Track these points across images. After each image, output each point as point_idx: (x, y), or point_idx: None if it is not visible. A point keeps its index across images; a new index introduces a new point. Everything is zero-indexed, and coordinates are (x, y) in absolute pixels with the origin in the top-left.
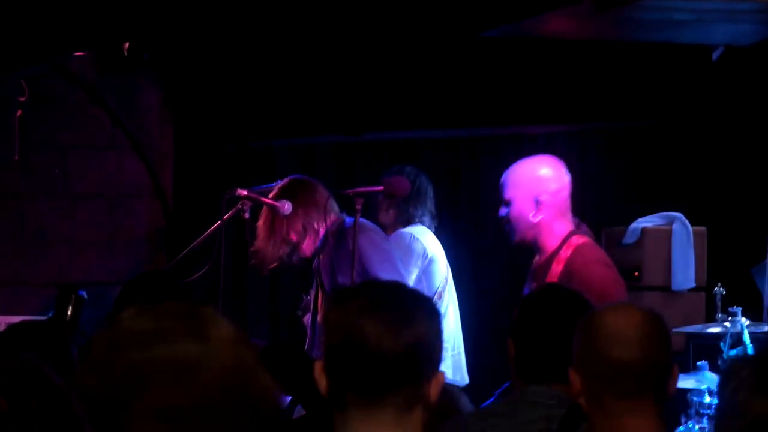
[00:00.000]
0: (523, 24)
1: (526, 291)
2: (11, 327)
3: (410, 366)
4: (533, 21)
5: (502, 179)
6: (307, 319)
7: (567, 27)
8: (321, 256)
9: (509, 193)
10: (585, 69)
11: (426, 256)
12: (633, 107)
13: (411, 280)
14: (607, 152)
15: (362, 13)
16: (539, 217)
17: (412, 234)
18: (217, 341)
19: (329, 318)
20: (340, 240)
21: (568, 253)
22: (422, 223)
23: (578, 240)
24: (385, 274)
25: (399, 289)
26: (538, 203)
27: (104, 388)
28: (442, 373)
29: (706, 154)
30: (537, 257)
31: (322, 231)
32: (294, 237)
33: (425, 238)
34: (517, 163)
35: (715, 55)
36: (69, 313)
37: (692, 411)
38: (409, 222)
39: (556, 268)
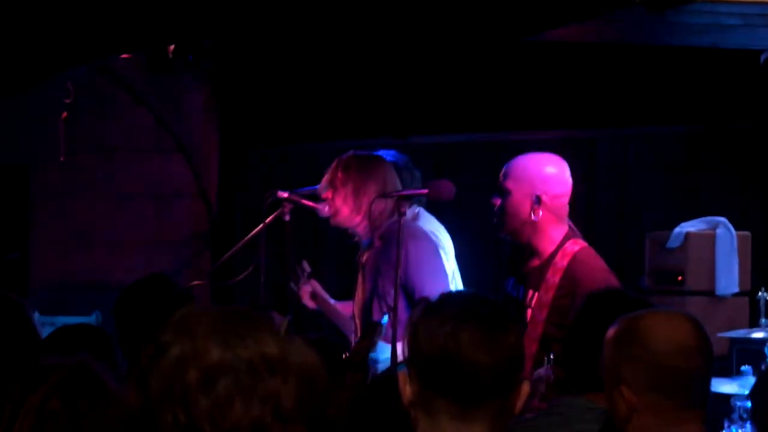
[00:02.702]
0: (571, 28)
1: (513, 290)
2: (61, 329)
3: (504, 377)
4: (583, 24)
5: (505, 167)
6: (306, 290)
7: (615, 31)
8: (367, 253)
9: (510, 183)
10: (632, 73)
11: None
12: (679, 111)
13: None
14: (653, 156)
15: (408, 20)
16: (537, 217)
17: (434, 233)
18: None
19: (419, 329)
20: (389, 243)
21: (565, 262)
22: (420, 203)
23: (573, 246)
24: (429, 287)
25: (488, 300)
26: (538, 201)
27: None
28: (527, 383)
29: (752, 159)
30: (529, 260)
31: (381, 209)
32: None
33: (440, 233)
34: (524, 155)
35: (762, 59)
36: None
37: (735, 416)
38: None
39: (553, 278)
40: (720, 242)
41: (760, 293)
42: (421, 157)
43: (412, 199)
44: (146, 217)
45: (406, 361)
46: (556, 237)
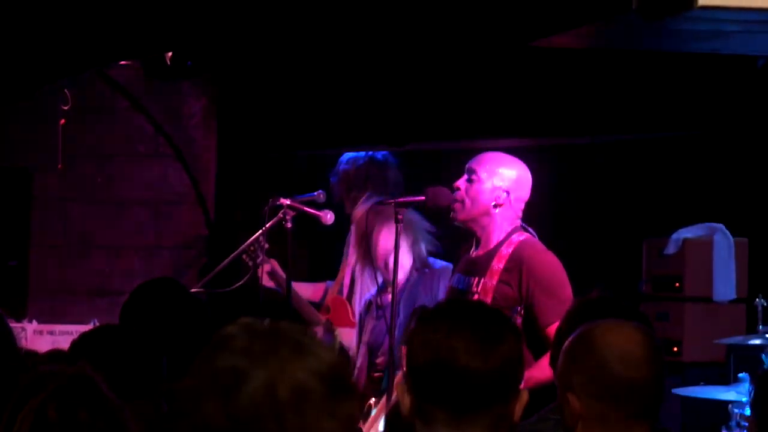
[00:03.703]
0: (568, 34)
1: (458, 283)
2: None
3: (500, 385)
4: (578, 31)
5: (481, 156)
6: (266, 269)
7: (613, 37)
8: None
9: (482, 172)
10: (629, 79)
11: None
12: (676, 117)
13: None
14: (650, 162)
15: (405, 28)
16: (497, 210)
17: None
18: None
19: (414, 339)
20: (422, 281)
21: (510, 249)
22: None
23: (519, 237)
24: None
25: (484, 308)
26: (505, 196)
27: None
28: (526, 392)
29: (749, 165)
30: (473, 250)
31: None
32: None
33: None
34: (501, 152)
35: (759, 64)
36: None
37: (733, 423)
38: None
39: (498, 265)
40: (718, 248)
41: (757, 300)
42: (419, 164)
43: (407, 206)
44: (145, 224)
45: (404, 372)
46: (506, 230)
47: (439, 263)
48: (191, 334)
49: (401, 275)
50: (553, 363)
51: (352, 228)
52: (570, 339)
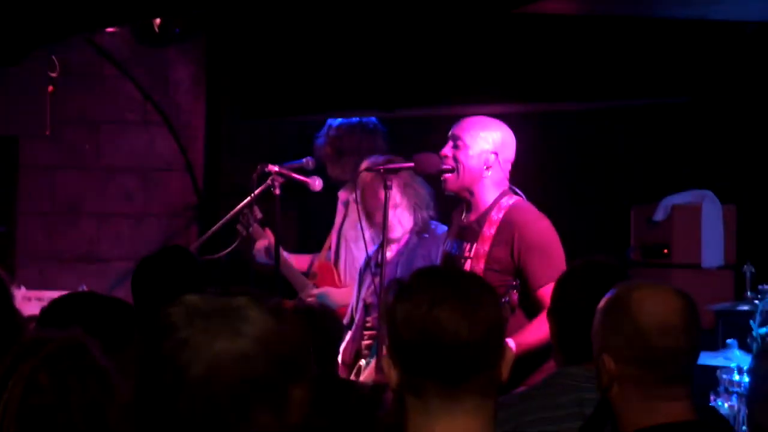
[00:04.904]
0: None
1: (452, 249)
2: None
3: (488, 350)
4: None
5: (463, 121)
6: (263, 244)
7: (602, 3)
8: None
9: (467, 137)
10: (618, 45)
11: None
12: (664, 84)
13: None
14: (638, 129)
15: None
16: (488, 173)
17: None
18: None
19: (397, 313)
20: (421, 245)
21: (500, 215)
22: None
23: (509, 201)
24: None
25: (461, 275)
26: (493, 158)
27: None
28: (510, 349)
29: (737, 131)
30: (464, 215)
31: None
32: None
33: None
34: (482, 116)
35: (749, 30)
36: None
37: (721, 389)
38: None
39: (489, 230)
40: (706, 215)
41: (745, 266)
42: (407, 129)
43: (396, 172)
44: (133, 191)
45: (387, 347)
46: (495, 194)
47: (442, 228)
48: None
49: (399, 234)
50: (552, 331)
51: (340, 194)
52: (606, 299)
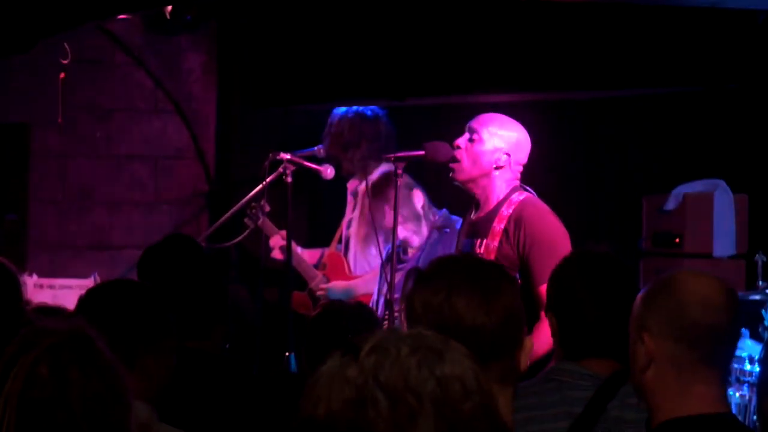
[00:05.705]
0: None
1: (464, 246)
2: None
3: (506, 337)
4: None
5: (482, 116)
6: (277, 243)
7: None
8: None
9: (484, 132)
10: (629, 34)
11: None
12: (676, 73)
13: None
14: (650, 118)
15: None
16: (497, 172)
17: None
18: None
19: (414, 302)
20: (442, 241)
21: (510, 210)
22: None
23: (519, 196)
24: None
25: (480, 264)
26: (505, 158)
27: None
28: (530, 340)
29: (749, 120)
30: (474, 212)
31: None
32: None
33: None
34: (502, 114)
35: (760, 20)
36: None
37: (732, 378)
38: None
39: (499, 226)
40: (718, 204)
41: (757, 255)
42: (418, 118)
43: (406, 160)
44: (145, 178)
45: None
46: (505, 191)
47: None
48: (204, 293)
49: (425, 230)
50: (553, 327)
51: (348, 185)
52: (648, 286)
